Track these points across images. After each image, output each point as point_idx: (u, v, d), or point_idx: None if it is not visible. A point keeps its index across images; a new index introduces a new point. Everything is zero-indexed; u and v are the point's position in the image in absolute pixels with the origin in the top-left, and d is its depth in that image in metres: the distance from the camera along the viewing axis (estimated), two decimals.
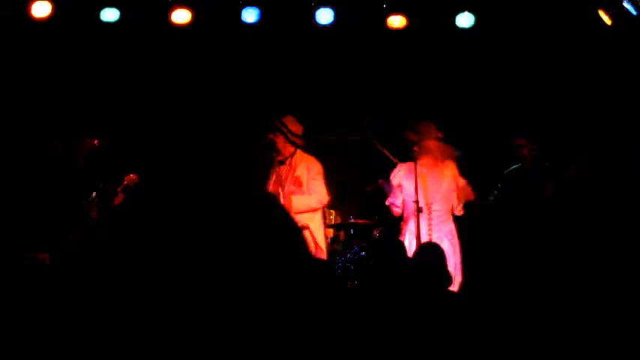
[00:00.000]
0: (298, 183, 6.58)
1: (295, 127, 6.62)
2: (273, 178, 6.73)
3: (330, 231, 7.83)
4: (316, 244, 6.66)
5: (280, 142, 6.61)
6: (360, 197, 7.61)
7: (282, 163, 6.67)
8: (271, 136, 6.60)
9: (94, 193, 6.84)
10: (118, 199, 6.93)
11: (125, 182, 6.94)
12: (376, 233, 7.33)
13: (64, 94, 7.97)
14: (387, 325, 3.70)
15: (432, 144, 6.80)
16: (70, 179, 6.85)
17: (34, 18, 7.46)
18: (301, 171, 6.58)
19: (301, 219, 6.46)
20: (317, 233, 6.66)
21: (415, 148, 6.71)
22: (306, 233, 6.52)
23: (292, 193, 6.58)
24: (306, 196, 6.57)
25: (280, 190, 6.63)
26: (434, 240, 6.54)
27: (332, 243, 7.62)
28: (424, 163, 6.63)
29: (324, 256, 6.77)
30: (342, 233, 7.71)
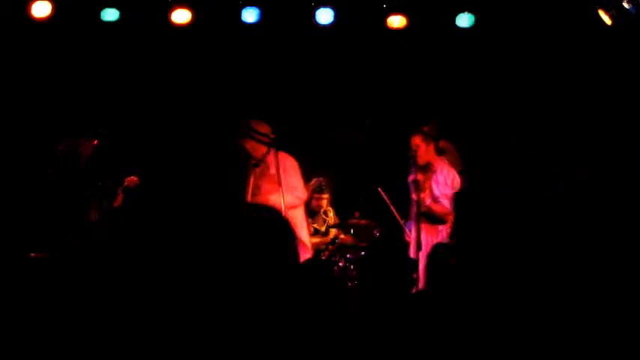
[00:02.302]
0: (274, 181, 6.58)
1: (262, 127, 6.64)
2: (251, 180, 6.77)
3: (332, 231, 7.83)
4: (300, 241, 6.63)
5: (250, 145, 6.65)
6: (360, 197, 7.60)
7: (256, 165, 6.70)
8: (241, 141, 6.67)
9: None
10: (119, 200, 6.93)
11: (125, 184, 6.95)
12: (376, 233, 7.32)
13: (64, 94, 7.97)
14: (387, 324, 3.69)
15: (446, 143, 6.81)
16: (70, 179, 6.85)
17: (34, 18, 7.45)
18: (275, 169, 6.58)
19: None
20: (300, 230, 6.64)
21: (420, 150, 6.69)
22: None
23: (269, 192, 6.59)
24: (283, 195, 6.57)
25: (257, 191, 6.67)
26: None
27: (332, 243, 7.62)
28: (445, 161, 6.65)
29: (309, 253, 6.77)
30: (340, 233, 7.70)
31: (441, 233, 6.54)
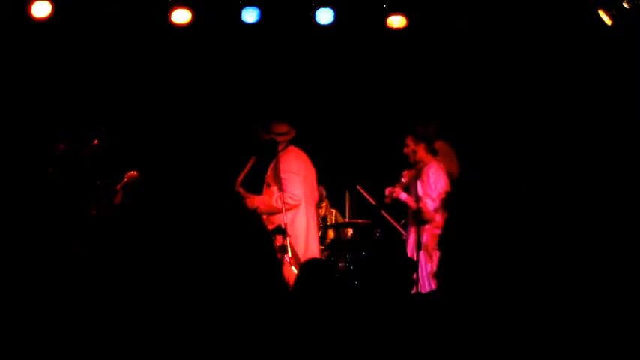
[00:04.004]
0: (267, 182, 6.65)
1: (281, 127, 6.66)
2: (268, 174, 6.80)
3: (332, 231, 7.84)
4: (292, 246, 6.49)
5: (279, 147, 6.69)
6: (360, 197, 7.60)
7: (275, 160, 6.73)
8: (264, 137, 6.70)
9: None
10: (119, 198, 6.94)
11: (125, 180, 6.96)
12: (376, 233, 7.34)
13: (64, 94, 7.97)
14: (387, 324, 3.69)
15: (441, 144, 6.84)
16: (71, 179, 6.86)
17: (34, 18, 7.46)
18: (273, 169, 6.63)
19: (274, 220, 6.45)
20: (296, 233, 6.50)
21: (417, 148, 6.74)
22: (280, 235, 6.45)
23: (265, 192, 6.63)
24: (268, 196, 6.57)
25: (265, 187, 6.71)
26: None
27: (332, 243, 7.63)
28: (445, 163, 6.69)
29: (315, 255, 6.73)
30: (341, 233, 7.71)
31: (427, 234, 6.56)
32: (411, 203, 6.62)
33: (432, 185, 6.53)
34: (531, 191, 7.34)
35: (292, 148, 6.70)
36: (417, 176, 6.63)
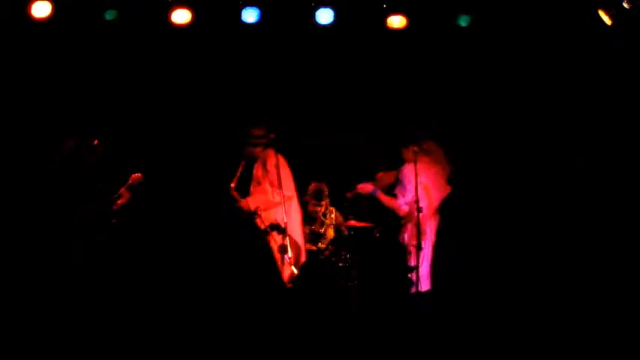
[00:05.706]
0: (257, 180, 6.79)
1: (258, 130, 6.81)
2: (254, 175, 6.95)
3: (331, 232, 7.82)
4: (283, 241, 6.60)
5: (258, 150, 6.80)
6: (360, 197, 7.61)
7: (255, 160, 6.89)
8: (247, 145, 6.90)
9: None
10: (121, 201, 6.94)
11: (130, 182, 6.98)
12: (376, 233, 7.34)
13: (64, 94, 7.97)
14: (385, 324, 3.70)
15: (431, 144, 6.94)
16: (71, 179, 6.87)
17: (34, 18, 7.46)
18: (257, 168, 6.79)
19: (268, 216, 6.61)
20: (293, 226, 6.59)
21: (415, 148, 6.82)
22: (274, 233, 6.55)
23: (255, 190, 6.77)
24: (263, 194, 6.69)
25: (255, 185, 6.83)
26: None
27: (332, 243, 7.61)
28: (431, 162, 6.88)
29: (302, 252, 6.81)
30: (340, 234, 7.70)
31: (407, 233, 6.84)
32: (382, 198, 7.03)
33: (405, 184, 6.89)
34: (531, 190, 7.37)
35: (272, 150, 6.84)
36: (398, 176, 6.95)
